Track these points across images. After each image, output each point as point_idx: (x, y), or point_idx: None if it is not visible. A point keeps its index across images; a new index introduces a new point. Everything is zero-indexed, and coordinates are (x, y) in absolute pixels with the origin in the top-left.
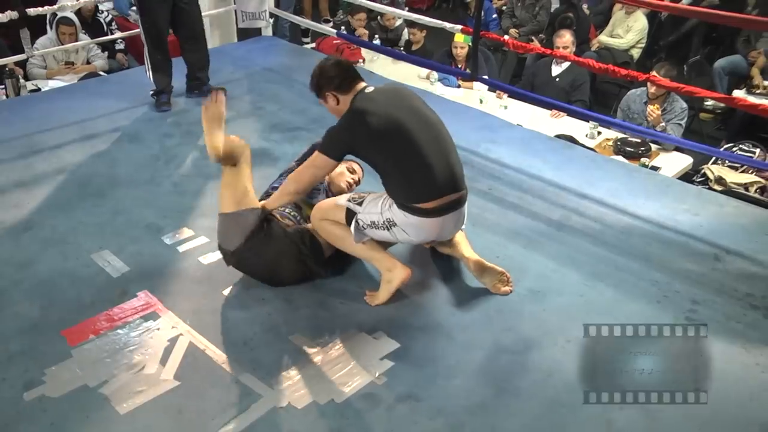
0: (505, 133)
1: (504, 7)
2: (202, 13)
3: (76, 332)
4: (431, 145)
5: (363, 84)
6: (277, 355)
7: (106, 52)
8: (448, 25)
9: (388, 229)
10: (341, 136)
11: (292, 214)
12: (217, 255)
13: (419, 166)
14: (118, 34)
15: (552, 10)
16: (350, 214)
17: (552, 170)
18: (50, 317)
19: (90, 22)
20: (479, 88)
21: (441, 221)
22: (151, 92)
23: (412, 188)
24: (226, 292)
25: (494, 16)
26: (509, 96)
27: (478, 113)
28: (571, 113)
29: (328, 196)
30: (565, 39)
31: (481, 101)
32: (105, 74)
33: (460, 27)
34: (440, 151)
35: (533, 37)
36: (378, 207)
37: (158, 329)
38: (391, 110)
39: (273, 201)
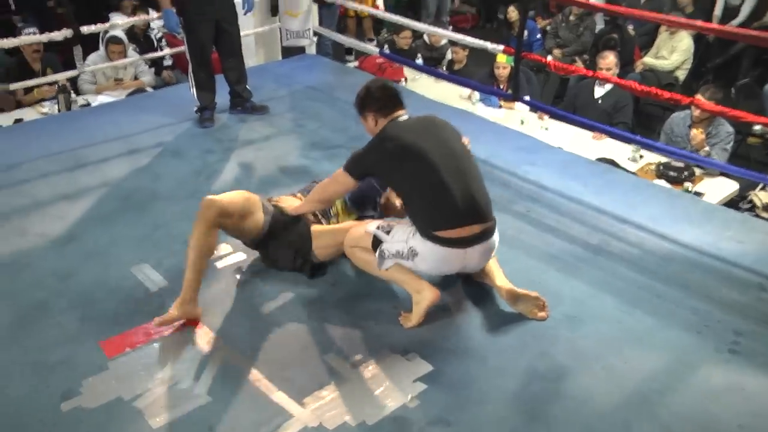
0: (545, 155)
1: (548, 27)
2: (249, 32)
3: (113, 344)
4: (452, 173)
5: (402, 112)
6: (310, 374)
7: (154, 68)
8: (490, 46)
9: (411, 259)
10: (364, 158)
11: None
12: (255, 272)
13: (438, 192)
14: (166, 51)
15: (596, 30)
16: (376, 242)
17: (592, 194)
18: (89, 329)
19: (141, 39)
20: (520, 109)
21: (464, 254)
22: (195, 108)
23: (432, 214)
24: (263, 309)
25: (538, 36)
26: (550, 117)
27: (519, 134)
28: (613, 136)
29: (377, 211)
30: (608, 60)
31: (522, 122)
32: (152, 90)
33: (502, 47)
34: (461, 179)
35: (577, 58)
36: (404, 235)
37: (194, 344)
38: (416, 137)
39: (302, 207)
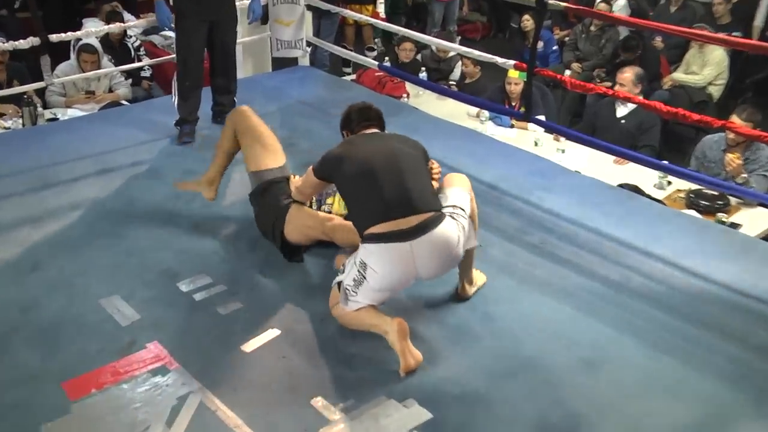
0: (561, 180)
1: (567, 39)
2: (237, 40)
3: (77, 385)
4: (386, 170)
5: (374, 129)
6: (295, 420)
7: (131, 79)
8: (500, 60)
9: (364, 277)
10: (325, 159)
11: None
12: (237, 305)
13: (370, 189)
14: (145, 61)
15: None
16: (339, 287)
17: (613, 224)
18: (51, 367)
19: (117, 48)
20: (535, 129)
21: (410, 249)
22: (175, 121)
23: (365, 211)
24: (244, 347)
25: (555, 48)
26: (567, 139)
27: (532, 157)
28: (637, 161)
29: None
30: (625, 76)
31: (536, 143)
32: (128, 103)
33: (512, 62)
34: (395, 176)
35: (595, 73)
36: (352, 258)
37: (167, 385)
38: (365, 144)
39: (294, 194)
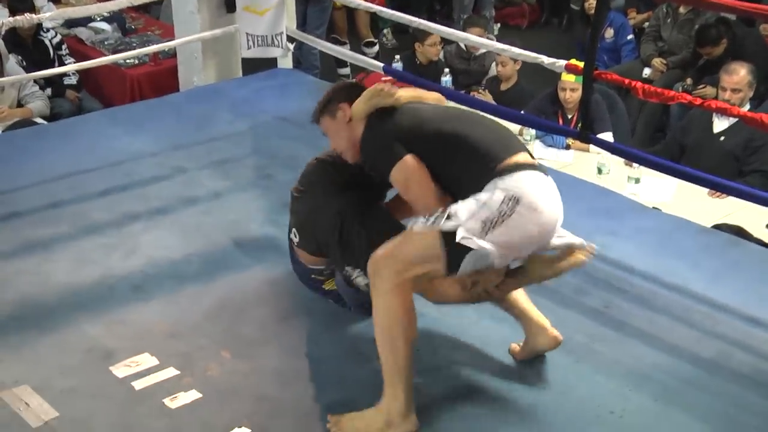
0: (634, 221)
1: (646, 25)
2: (193, 36)
3: None
4: (468, 117)
5: None
6: None
7: (50, 89)
8: (546, 60)
9: (513, 210)
10: (385, 138)
11: None
12: (192, 396)
13: (470, 130)
14: (70, 63)
15: None
16: (449, 238)
17: (706, 280)
18: None
19: (30, 46)
20: (599, 151)
21: (540, 176)
22: None
23: (475, 155)
24: None
25: (629, 37)
26: (642, 165)
27: (595, 189)
28: (742, 194)
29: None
30: (736, 77)
31: (600, 171)
32: (45, 122)
33: (563, 62)
34: (479, 119)
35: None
36: (482, 196)
37: None
38: (418, 107)
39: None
